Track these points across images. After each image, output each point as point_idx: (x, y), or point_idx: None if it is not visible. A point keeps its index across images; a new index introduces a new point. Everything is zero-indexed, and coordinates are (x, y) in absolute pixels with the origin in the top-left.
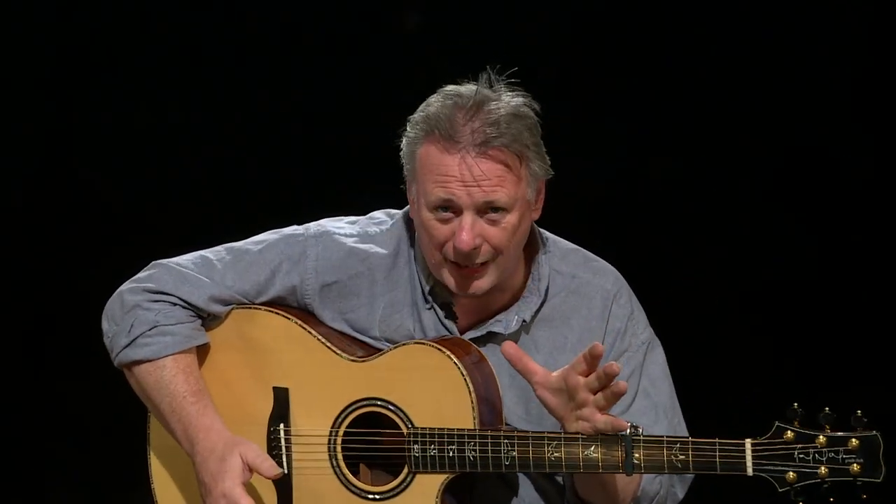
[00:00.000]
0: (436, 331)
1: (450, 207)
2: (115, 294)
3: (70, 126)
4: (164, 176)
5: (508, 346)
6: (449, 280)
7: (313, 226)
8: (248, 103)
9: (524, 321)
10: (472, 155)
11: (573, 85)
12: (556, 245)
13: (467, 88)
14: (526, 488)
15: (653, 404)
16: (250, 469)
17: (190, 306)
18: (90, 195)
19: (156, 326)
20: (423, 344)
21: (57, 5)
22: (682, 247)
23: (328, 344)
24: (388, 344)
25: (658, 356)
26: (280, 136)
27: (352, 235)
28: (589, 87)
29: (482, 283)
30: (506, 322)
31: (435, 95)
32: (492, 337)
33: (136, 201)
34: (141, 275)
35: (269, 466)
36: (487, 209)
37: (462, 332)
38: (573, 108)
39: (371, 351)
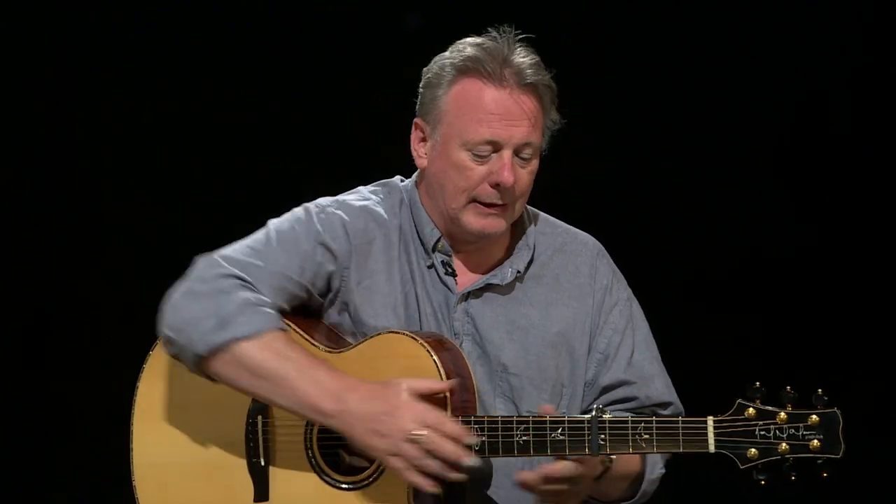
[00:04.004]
0: (436, 288)
1: (491, 146)
2: (169, 303)
3: (70, 126)
4: (163, 176)
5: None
6: (470, 220)
7: (322, 200)
8: (247, 105)
9: (518, 272)
10: (517, 92)
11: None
12: (538, 214)
13: (491, 38)
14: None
15: (653, 356)
16: (419, 395)
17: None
18: (90, 195)
19: (248, 303)
20: (397, 333)
21: (56, 5)
22: (647, 225)
23: (306, 335)
24: (402, 314)
25: (639, 311)
26: (279, 138)
27: (358, 200)
28: (584, 77)
29: (501, 223)
30: (501, 274)
31: (453, 47)
32: (489, 288)
33: (137, 201)
34: (196, 270)
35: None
36: (521, 151)
37: (461, 288)
38: (571, 98)
39: (347, 343)
